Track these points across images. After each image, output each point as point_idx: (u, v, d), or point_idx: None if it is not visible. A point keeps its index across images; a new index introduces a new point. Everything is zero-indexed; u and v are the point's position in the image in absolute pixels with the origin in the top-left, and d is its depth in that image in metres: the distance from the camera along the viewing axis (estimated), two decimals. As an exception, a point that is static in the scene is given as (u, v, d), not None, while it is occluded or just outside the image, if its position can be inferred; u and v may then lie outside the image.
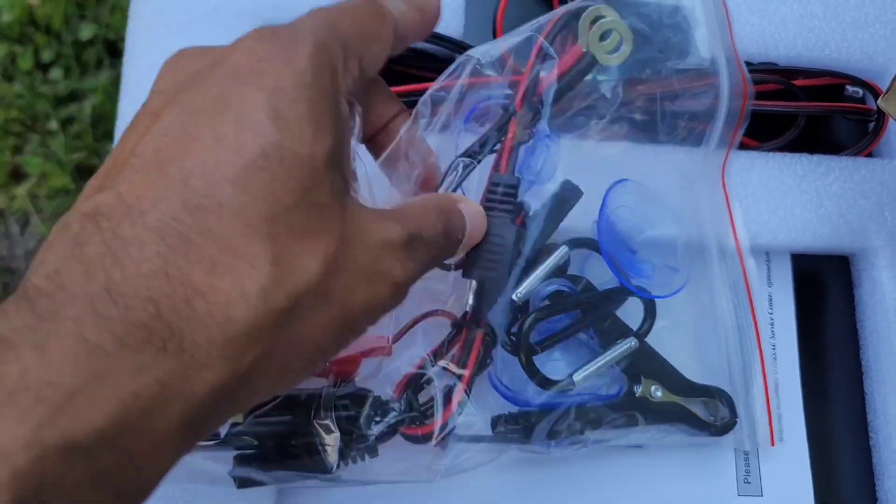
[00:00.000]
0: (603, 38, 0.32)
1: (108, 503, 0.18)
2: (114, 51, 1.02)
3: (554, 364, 0.35)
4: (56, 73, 1.01)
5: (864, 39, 0.42)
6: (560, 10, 0.33)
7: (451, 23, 0.41)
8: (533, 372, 0.33)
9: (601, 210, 0.33)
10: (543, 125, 0.33)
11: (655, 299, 0.34)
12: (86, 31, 1.02)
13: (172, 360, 0.18)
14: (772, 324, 0.41)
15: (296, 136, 0.21)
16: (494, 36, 0.40)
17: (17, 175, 0.99)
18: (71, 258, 0.19)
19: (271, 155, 0.20)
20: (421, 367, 0.31)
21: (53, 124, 1.00)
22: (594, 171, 0.33)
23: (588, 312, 0.34)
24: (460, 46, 0.39)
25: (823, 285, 0.42)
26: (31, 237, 0.98)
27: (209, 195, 0.20)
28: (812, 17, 0.42)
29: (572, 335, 0.34)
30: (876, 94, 0.41)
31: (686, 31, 0.35)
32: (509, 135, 0.32)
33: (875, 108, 0.41)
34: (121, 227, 0.19)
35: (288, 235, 0.20)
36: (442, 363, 0.31)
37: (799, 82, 0.41)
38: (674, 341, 0.36)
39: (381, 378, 0.31)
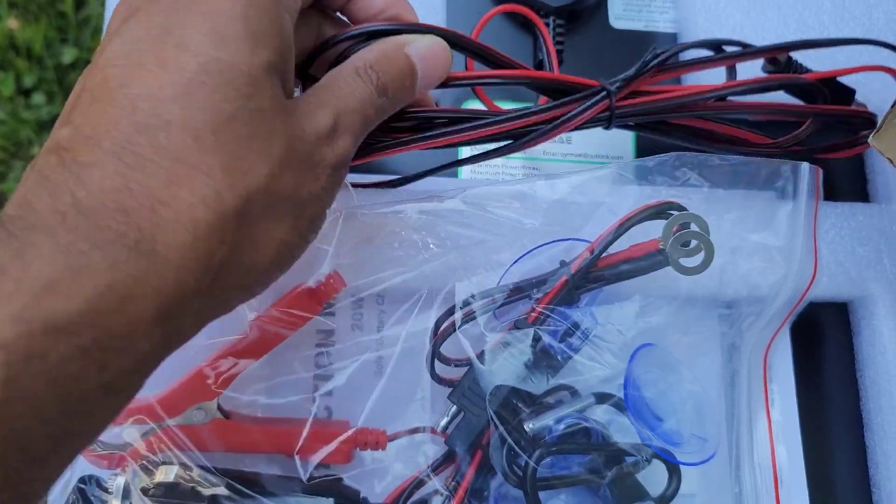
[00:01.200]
0: (685, 244, 0.31)
1: (92, 376, 0.20)
2: (96, 74, 1.00)
3: (559, 503, 0.33)
4: (38, 98, 1.00)
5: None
6: (653, 203, 0.32)
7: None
8: None
9: (627, 371, 0.32)
10: (588, 300, 0.33)
11: (681, 466, 0.33)
12: (67, 55, 1.01)
13: (145, 259, 0.20)
14: (770, 369, 0.40)
15: (232, 51, 0.22)
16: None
17: (3, 203, 0.98)
18: (38, 187, 0.21)
19: (210, 70, 0.22)
20: (416, 479, 0.32)
21: (37, 150, 0.99)
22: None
23: (606, 463, 0.32)
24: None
25: (822, 333, 0.40)
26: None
27: (157, 114, 0.21)
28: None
29: (583, 483, 0.32)
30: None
31: (772, 204, 0.35)
32: (552, 292, 0.32)
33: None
34: (80, 154, 0.21)
35: (235, 142, 0.22)
36: (436, 479, 0.31)
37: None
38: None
39: (368, 473, 0.31)
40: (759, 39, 0.41)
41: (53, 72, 1.00)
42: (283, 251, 0.24)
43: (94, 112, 0.22)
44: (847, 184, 0.41)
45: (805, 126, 0.36)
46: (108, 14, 0.40)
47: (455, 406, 0.32)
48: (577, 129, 0.33)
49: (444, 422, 0.33)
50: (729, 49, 0.37)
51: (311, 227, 0.26)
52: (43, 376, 0.19)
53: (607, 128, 0.34)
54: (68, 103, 0.23)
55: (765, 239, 0.34)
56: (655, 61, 0.34)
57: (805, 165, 0.34)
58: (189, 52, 0.22)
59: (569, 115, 0.32)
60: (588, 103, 0.33)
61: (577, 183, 0.33)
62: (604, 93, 0.33)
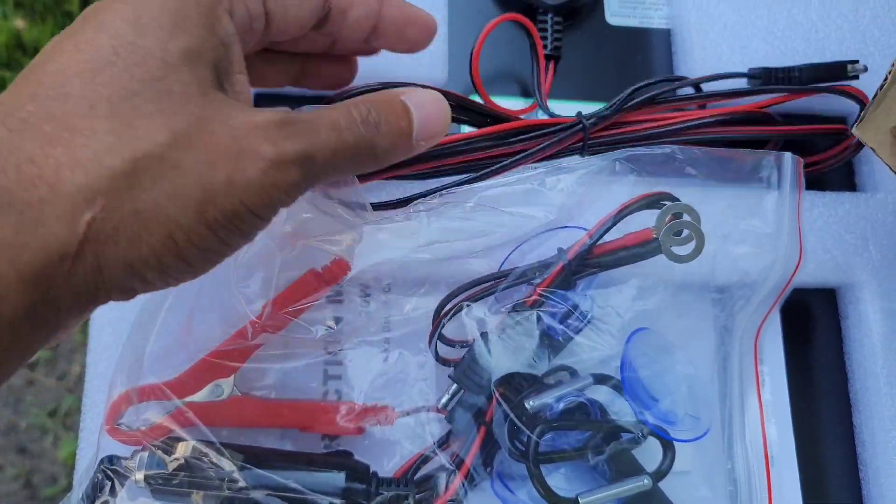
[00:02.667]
0: (677, 233, 0.33)
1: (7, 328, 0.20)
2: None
3: (558, 476, 0.35)
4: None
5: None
6: (648, 193, 0.34)
7: (434, 71, 0.41)
8: (541, 483, 0.32)
9: (623, 354, 0.34)
10: (584, 285, 0.34)
11: (675, 443, 0.34)
12: (73, 55, 1.02)
13: (12, 217, 0.21)
14: (760, 350, 0.41)
15: (149, 37, 0.23)
16: (472, 80, 0.40)
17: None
18: None
19: (122, 52, 0.23)
20: (422, 455, 0.33)
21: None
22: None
23: (604, 438, 0.34)
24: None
25: (811, 317, 0.42)
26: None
27: (57, 87, 0.22)
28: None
29: (582, 458, 0.34)
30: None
31: (759, 193, 0.36)
32: (549, 276, 0.34)
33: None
34: None
35: (132, 114, 0.22)
36: (442, 455, 0.33)
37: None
38: (687, 490, 0.36)
39: (377, 448, 0.33)
40: (749, 36, 0.43)
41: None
42: (178, 234, 0.23)
43: (7, 93, 0.23)
44: (835, 173, 0.43)
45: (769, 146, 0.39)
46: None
47: (455, 384, 0.34)
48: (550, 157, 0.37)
49: (444, 399, 0.34)
50: (708, 87, 0.41)
51: (227, 223, 0.24)
52: None
53: (582, 155, 0.38)
54: None
55: (753, 226, 0.36)
56: (630, 103, 0.38)
57: (787, 156, 0.36)
58: (105, 35, 0.23)
59: (542, 146, 0.37)
60: (563, 135, 0.37)
61: (579, 176, 0.35)
62: (580, 125, 0.37)
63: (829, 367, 0.41)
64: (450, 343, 0.35)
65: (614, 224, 0.34)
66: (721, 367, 0.38)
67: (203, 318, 0.33)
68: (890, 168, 0.33)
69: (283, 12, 0.28)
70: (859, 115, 0.33)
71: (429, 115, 0.28)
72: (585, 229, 0.35)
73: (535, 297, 0.34)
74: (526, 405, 0.34)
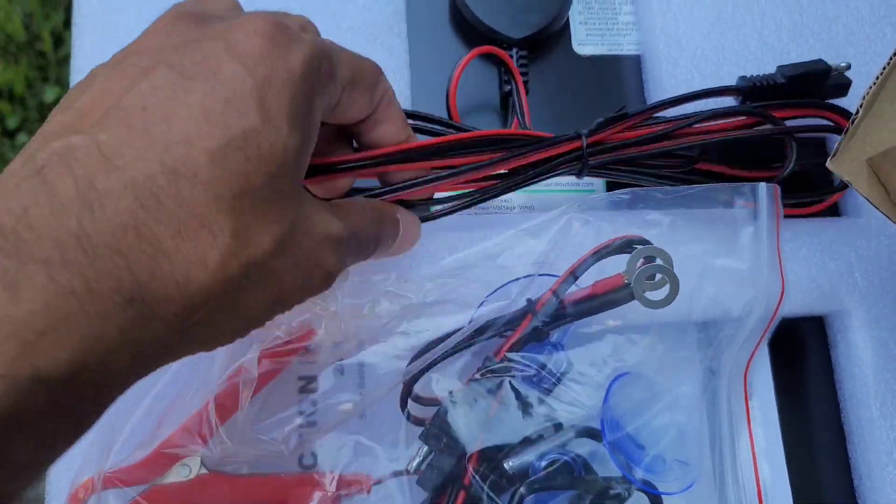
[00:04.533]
0: (650, 278, 0.32)
1: (61, 427, 0.20)
2: (79, 111, 1.00)
3: None
4: (23, 138, 1.00)
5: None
6: (619, 237, 0.33)
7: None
8: None
9: (604, 404, 0.33)
10: (558, 335, 0.33)
11: (662, 496, 0.33)
12: (49, 94, 1.01)
13: (134, 312, 0.20)
14: (749, 385, 0.40)
15: (274, 127, 0.22)
16: (447, 109, 0.39)
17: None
18: (40, 198, 0.19)
19: (250, 139, 0.22)
20: None
21: (25, 191, 0.99)
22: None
23: (589, 497, 0.32)
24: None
25: (800, 347, 0.41)
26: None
27: (187, 163, 0.21)
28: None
29: None
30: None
31: (734, 228, 0.35)
32: (518, 331, 0.32)
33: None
34: (97, 177, 0.20)
35: (250, 213, 0.22)
36: None
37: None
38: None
39: None
40: (720, 60, 0.41)
41: (36, 111, 1.01)
42: (248, 326, 0.24)
43: (122, 136, 0.21)
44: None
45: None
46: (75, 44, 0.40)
47: (426, 446, 0.33)
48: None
49: (415, 462, 0.33)
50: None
51: (280, 312, 0.25)
52: (18, 431, 0.19)
53: (579, 176, 0.36)
54: (84, 103, 0.22)
55: (730, 263, 0.35)
56: (626, 122, 0.36)
57: (762, 186, 0.34)
58: (235, 113, 0.22)
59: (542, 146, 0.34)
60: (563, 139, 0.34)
61: (540, 224, 0.34)
62: (577, 136, 0.35)
63: (821, 398, 0.40)
64: (420, 401, 0.34)
65: (582, 273, 0.32)
66: (710, 406, 0.37)
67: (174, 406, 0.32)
68: (868, 200, 0.31)
69: (348, 107, 0.28)
70: (835, 148, 0.32)
71: (410, 237, 0.32)
72: (556, 276, 0.34)
73: (503, 353, 0.32)
74: (505, 466, 0.32)
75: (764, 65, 0.42)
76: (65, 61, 1.02)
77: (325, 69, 0.25)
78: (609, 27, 0.45)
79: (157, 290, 0.20)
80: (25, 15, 1.02)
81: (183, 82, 0.22)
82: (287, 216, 0.23)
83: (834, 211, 0.42)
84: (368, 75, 0.28)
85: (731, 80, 0.41)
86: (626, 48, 0.45)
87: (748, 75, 0.39)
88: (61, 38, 1.04)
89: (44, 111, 1.01)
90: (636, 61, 0.44)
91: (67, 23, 1.01)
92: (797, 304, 0.39)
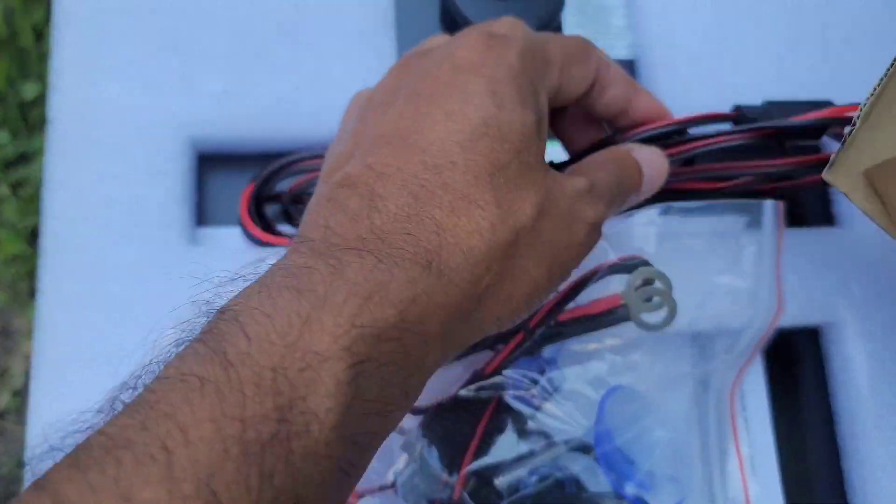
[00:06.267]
0: (647, 299, 0.31)
1: (399, 382, 0.22)
2: (61, 108, 0.98)
3: None
4: (3, 136, 0.98)
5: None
6: (619, 257, 0.32)
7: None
8: None
9: (597, 418, 0.32)
10: (551, 350, 0.32)
11: None
12: (30, 91, 0.99)
13: (434, 277, 0.23)
14: (742, 398, 0.39)
15: (508, 110, 0.25)
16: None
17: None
18: (337, 214, 0.24)
19: (491, 124, 0.25)
20: None
21: (4, 189, 0.97)
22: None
23: None
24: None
25: (796, 359, 0.40)
26: (-13, 307, 0.95)
27: (443, 156, 0.25)
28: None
29: None
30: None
31: (738, 246, 0.35)
32: (509, 346, 0.32)
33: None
34: (376, 187, 0.24)
35: (506, 186, 0.25)
36: None
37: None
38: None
39: None
40: (718, 69, 0.41)
41: (17, 109, 0.99)
42: (533, 290, 0.26)
43: (386, 154, 0.25)
44: (813, 207, 0.41)
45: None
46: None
47: (406, 454, 0.32)
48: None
49: (402, 475, 0.32)
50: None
51: (561, 275, 0.27)
52: (373, 379, 0.21)
53: None
54: (344, 148, 0.27)
55: (731, 281, 0.34)
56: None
57: (768, 204, 0.34)
58: (472, 106, 0.25)
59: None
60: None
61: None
62: None
63: (816, 410, 0.39)
64: (415, 410, 0.33)
65: (579, 292, 0.32)
66: (701, 421, 0.37)
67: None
68: (864, 213, 0.31)
69: (569, 85, 0.30)
70: (831, 159, 0.31)
71: (654, 171, 0.31)
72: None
73: (493, 367, 0.32)
74: (495, 481, 0.32)
75: (762, 70, 0.41)
76: (46, 57, 1.00)
77: (540, 56, 0.28)
78: (603, 31, 0.44)
79: (448, 259, 0.23)
80: (6, 9, 1.00)
81: (424, 100, 0.26)
82: (540, 183, 0.26)
83: (830, 220, 0.41)
84: (579, 51, 0.30)
85: (729, 87, 0.40)
86: (620, 52, 0.44)
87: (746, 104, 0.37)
88: (42, 34, 1.02)
89: (25, 108, 0.99)
90: (629, 66, 0.43)
91: (49, 17, 0.99)
92: (793, 316, 0.38)
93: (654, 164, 0.32)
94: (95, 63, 0.38)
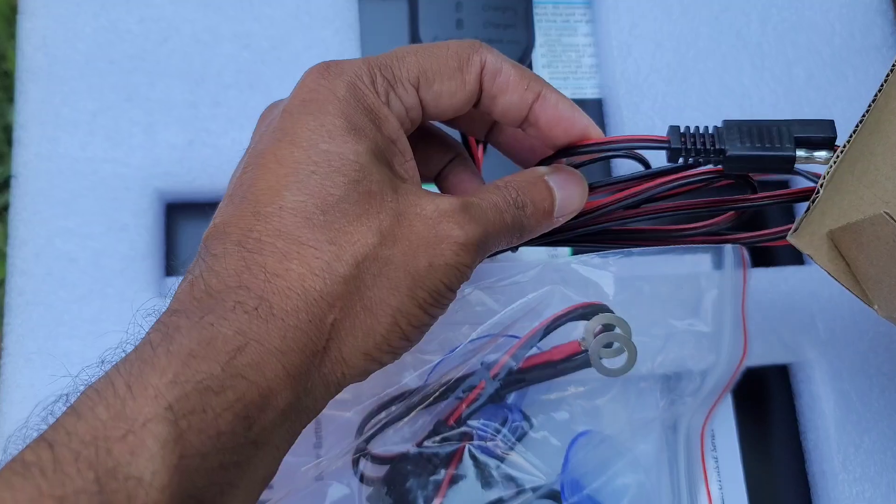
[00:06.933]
0: (607, 345, 0.31)
1: (241, 431, 0.22)
2: (46, 132, 0.98)
3: None
4: (-12, 161, 0.98)
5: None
6: (580, 304, 0.32)
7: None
8: None
9: (564, 466, 0.32)
10: (515, 397, 0.32)
11: None
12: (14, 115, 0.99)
13: (264, 322, 0.23)
14: (713, 436, 0.39)
15: (339, 143, 0.25)
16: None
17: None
18: (183, 280, 0.25)
19: (319, 161, 0.25)
20: None
21: (-10, 213, 0.97)
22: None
23: None
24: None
25: (765, 397, 0.40)
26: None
27: (273, 203, 0.25)
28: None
29: None
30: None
31: (699, 291, 0.35)
32: (470, 395, 0.32)
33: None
34: (213, 247, 0.25)
35: (343, 220, 0.25)
36: None
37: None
38: None
39: None
40: (681, 106, 0.41)
41: (2, 132, 0.99)
42: (400, 319, 0.25)
43: (228, 211, 0.25)
44: (782, 247, 0.41)
45: (724, 217, 0.35)
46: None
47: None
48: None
49: None
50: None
51: (434, 301, 0.26)
52: (204, 432, 0.21)
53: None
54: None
55: (692, 325, 0.34)
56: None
57: (728, 248, 0.34)
58: (300, 147, 0.25)
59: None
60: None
61: (507, 286, 0.33)
62: None
63: (786, 448, 0.40)
64: (375, 460, 0.33)
65: (541, 339, 0.32)
66: (670, 464, 0.37)
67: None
68: (829, 274, 0.31)
69: (437, 102, 0.29)
70: (796, 222, 0.31)
71: (569, 195, 0.30)
72: (517, 337, 0.33)
73: (456, 417, 0.32)
74: None
75: (724, 108, 0.41)
76: (30, 82, 0.99)
77: (381, 79, 0.27)
78: (573, 70, 0.44)
79: (280, 303, 0.23)
80: (-10, 33, 1.01)
81: (261, 153, 0.26)
82: (386, 209, 0.25)
83: (799, 260, 0.41)
84: (446, 64, 0.29)
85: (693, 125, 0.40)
86: (590, 92, 0.44)
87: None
88: (26, 59, 1.02)
89: (10, 132, 0.99)
90: (598, 105, 0.43)
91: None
92: (759, 356, 0.38)
93: (567, 188, 0.30)
94: (58, 116, 0.38)
